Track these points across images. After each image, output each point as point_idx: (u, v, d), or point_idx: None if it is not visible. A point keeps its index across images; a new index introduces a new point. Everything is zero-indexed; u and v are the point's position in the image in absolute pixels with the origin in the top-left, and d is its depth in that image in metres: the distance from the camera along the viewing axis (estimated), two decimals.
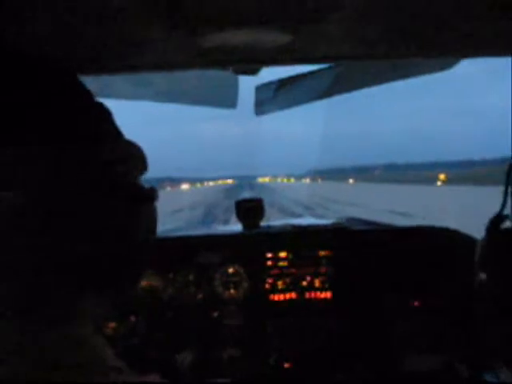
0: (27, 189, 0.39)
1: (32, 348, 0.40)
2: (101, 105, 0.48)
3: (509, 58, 1.06)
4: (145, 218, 0.48)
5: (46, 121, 0.41)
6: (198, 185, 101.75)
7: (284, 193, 42.70)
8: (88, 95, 0.47)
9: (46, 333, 0.42)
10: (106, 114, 0.48)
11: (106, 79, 1.07)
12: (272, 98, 1.21)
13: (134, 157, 0.48)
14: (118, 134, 0.49)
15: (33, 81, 0.41)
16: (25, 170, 0.39)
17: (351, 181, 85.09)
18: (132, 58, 0.93)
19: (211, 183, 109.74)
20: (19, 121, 0.39)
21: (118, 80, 1.08)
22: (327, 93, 1.28)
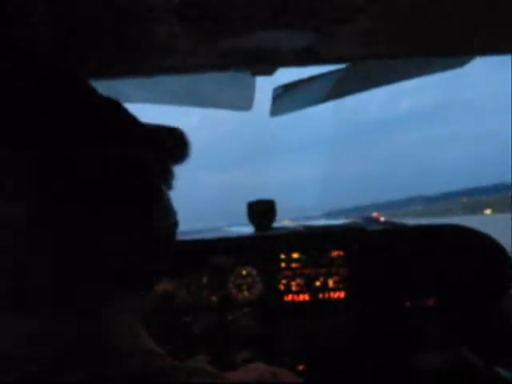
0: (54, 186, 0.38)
1: (85, 335, 0.40)
2: (112, 100, 0.46)
3: None
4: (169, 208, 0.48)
5: (62, 122, 0.39)
6: None
7: None
8: (95, 94, 0.45)
9: (90, 321, 0.41)
10: (118, 108, 0.47)
11: (119, 84, 1.06)
12: (287, 98, 1.21)
13: (157, 141, 0.47)
14: (133, 125, 0.48)
15: (42, 85, 0.40)
16: (50, 170, 0.38)
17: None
18: (148, 61, 0.93)
19: None
20: (38, 124, 0.38)
21: (133, 84, 1.07)
22: (342, 93, 1.28)
